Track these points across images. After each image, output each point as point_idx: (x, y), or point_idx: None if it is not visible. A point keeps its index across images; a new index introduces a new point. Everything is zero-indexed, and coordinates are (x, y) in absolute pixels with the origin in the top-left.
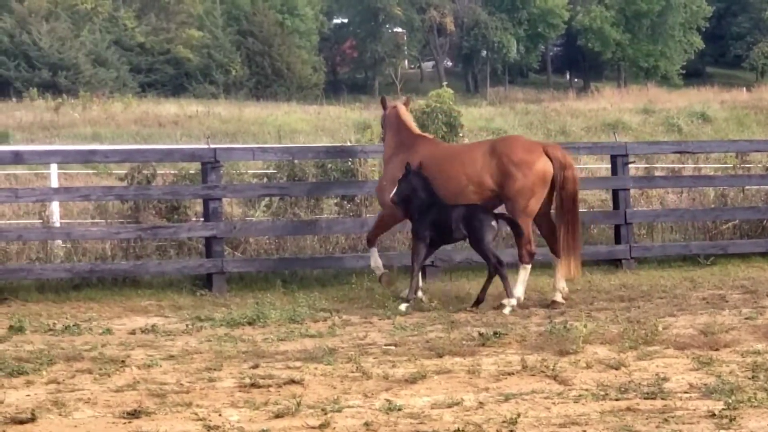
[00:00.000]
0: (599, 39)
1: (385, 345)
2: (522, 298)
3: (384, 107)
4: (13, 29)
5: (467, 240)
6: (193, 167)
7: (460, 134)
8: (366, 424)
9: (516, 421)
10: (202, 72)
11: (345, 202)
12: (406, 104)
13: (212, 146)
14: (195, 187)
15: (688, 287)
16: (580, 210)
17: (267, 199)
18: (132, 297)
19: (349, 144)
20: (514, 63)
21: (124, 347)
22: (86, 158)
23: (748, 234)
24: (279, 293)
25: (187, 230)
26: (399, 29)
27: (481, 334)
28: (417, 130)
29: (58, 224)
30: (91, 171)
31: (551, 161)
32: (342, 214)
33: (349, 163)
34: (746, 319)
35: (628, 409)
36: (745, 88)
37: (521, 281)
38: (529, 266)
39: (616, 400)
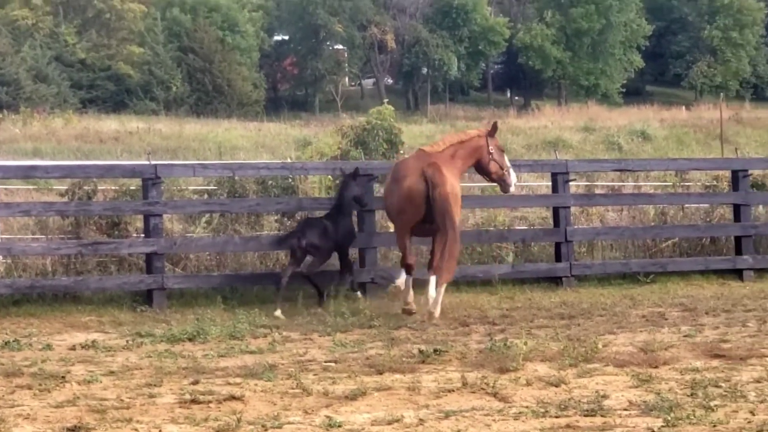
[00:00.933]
0: (540, 57)
1: (326, 361)
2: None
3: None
4: None
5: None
6: (134, 183)
7: (401, 151)
8: None
9: None
10: (142, 88)
11: (286, 219)
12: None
13: (153, 162)
14: (136, 203)
15: (627, 305)
16: (521, 228)
17: (208, 215)
18: (72, 313)
19: (289, 161)
20: (454, 80)
21: (64, 363)
22: (27, 174)
23: (687, 252)
24: (219, 309)
25: (127, 246)
26: (340, 46)
27: (421, 351)
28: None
29: None
30: (31, 187)
31: (425, 180)
32: (282, 231)
33: (290, 180)
34: (685, 336)
35: (568, 426)
36: (684, 107)
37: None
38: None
39: (556, 417)
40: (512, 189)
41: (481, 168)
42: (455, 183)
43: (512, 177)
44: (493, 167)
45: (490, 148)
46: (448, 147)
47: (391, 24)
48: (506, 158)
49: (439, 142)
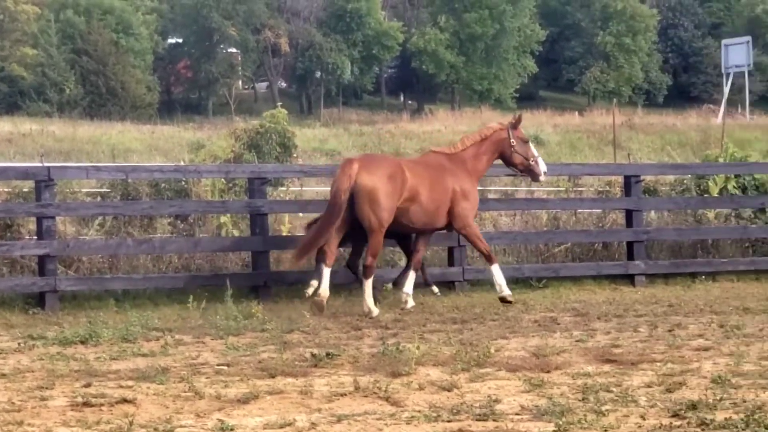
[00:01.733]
0: (434, 61)
1: (218, 365)
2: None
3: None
4: None
5: None
6: (27, 185)
7: (294, 155)
8: None
9: None
10: (36, 90)
11: (179, 222)
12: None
13: (46, 165)
14: (28, 205)
15: (520, 310)
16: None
17: (101, 217)
18: None
19: (182, 164)
20: (348, 84)
21: None
22: None
23: (580, 257)
24: (112, 312)
25: (20, 248)
26: (233, 49)
27: (313, 355)
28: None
29: None
30: None
31: (349, 179)
32: (175, 234)
33: (183, 183)
34: (577, 341)
35: (460, 430)
36: (577, 112)
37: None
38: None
39: (448, 421)
40: (543, 178)
41: (506, 161)
42: (469, 183)
43: (542, 166)
44: (517, 159)
45: (512, 140)
46: (468, 147)
47: (285, 27)
48: (532, 148)
49: (458, 143)
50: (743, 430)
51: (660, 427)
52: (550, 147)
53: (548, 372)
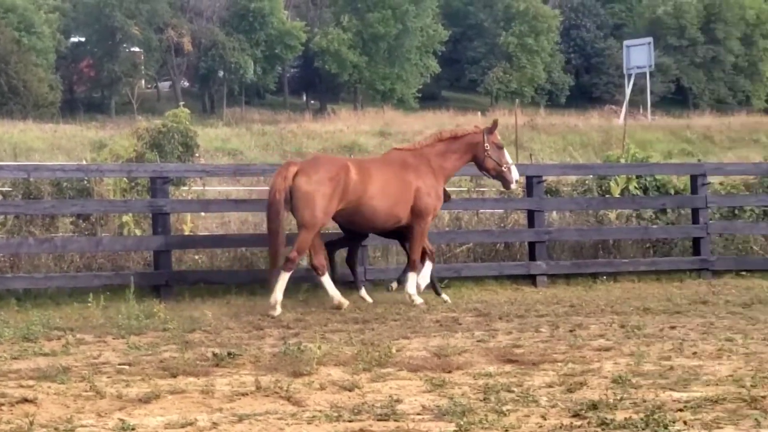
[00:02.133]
0: (336, 61)
1: (119, 364)
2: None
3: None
4: None
5: None
6: None
7: (197, 154)
8: None
9: None
10: None
11: (81, 221)
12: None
13: None
14: None
15: (422, 309)
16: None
17: (2, 216)
18: None
19: (85, 163)
20: (251, 84)
21: None
22: None
23: (482, 257)
24: (13, 311)
25: None
26: (136, 48)
27: (215, 355)
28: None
29: None
30: None
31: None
32: (77, 233)
33: (85, 182)
34: (479, 341)
35: (361, 430)
36: (480, 112)
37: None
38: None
39: (350, 421)
40: (514, 186)
41: (478, 164)
42: (433, 179)
43: (514, 173)
44: (489, 164)
45: (487, 145)
46: (436, 144)
47: (188, 27)
48: (507, 155)
49: (422, 139)
50: (643, 429)
51: (561, 427)
52: None
53: (449, 372)
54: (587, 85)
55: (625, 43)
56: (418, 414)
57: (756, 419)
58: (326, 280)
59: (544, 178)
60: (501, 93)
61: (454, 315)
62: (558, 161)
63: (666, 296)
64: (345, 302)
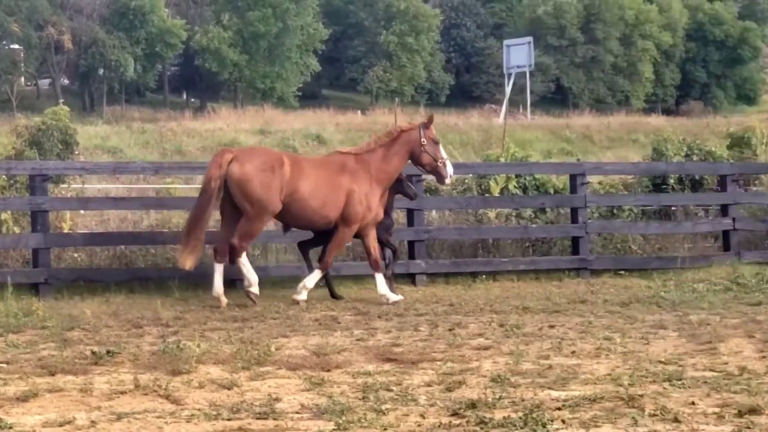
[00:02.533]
0: (217, 59)
1: None
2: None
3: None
4: None
5: None
6: None
7: (76, 152)
8: None
9: None
10: None
11: None
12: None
13: None
14: None
15: (301, 308)
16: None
17: None
18: None
19: None
20: (131, 82)
21: None
22: None
23: (361, 256)
24: None
25: None
26: (16, 46)
27: (94, 353)
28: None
29: None
30: None
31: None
32: None
33: None
34: (358, 340)
35: (240, 428)
36: (360, 111)
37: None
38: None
39: (228, 420)
40: (449, 181)
41: (414, 160)
42: (368, 185)
43: (449, 168)
44: (425, 159)
45: (423, 140)
46: (377, 149)
47: (68, 24)
48: (442, 150)
49: (365, 144)
50: (521, 428)
51: (439, 426)
52: (332, 145)
53: (328, 371)
54: (467, 85)
55: (506, 42)
56: (297, 413)
57: (633, 418)
58: (219, 269)
59: (423, 177)
60: (381, 92)
61: (333, 314)
62: None
63: (545, 295)
64: (224, 301)
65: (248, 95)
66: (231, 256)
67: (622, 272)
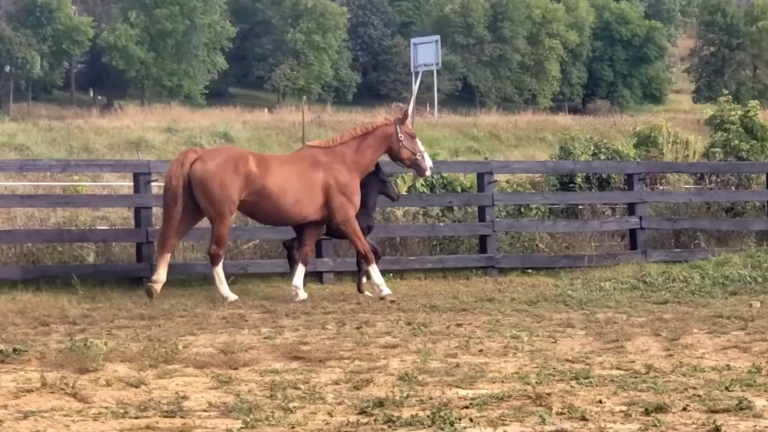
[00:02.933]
0: (124, 57)
1: None
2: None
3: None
4: None
5: None
6: None
7: None
8: None
9: None
10: None
11: None
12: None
13: None
14: None
15: (208, 306)
16: (103, 227)
17: None
18: None
19: None
20: (38, 79)
21: None
22: None
23: (268, 254)
24: None
25: None
26: None
27: (0, 351)
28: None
29: None
30: None
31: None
32: None
33: None
34: (265, 338)
35: (148, 427)
36: (267, 109)
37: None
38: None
39: (136, 418)
40: (428, 173)
41: (393, 155)
42: (347, 176)
43: (427, 161)
44: (405, 153)
45: (400, 135)
46: (348, 141)
47: None
48: (419, 143)
49: (336, 137)
50: (429, 426)
51: (347, 424)
52: (239, 143)
53: (236, 369)
54: (375, 83)
55: (413, 41)
56: (205, 411)
57: (541, 416)
58: (166, 259)
59: None
60: (288, 90)
61: (240, 312)
62: None
63: (452, 294)
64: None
65: (155, 93)
66: (212, 262)
67: (530, 271)
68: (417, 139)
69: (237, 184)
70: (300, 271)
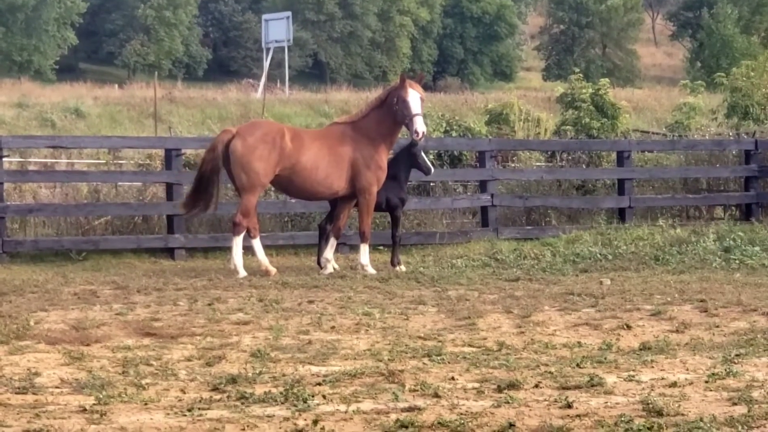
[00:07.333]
0: None
1: None
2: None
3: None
4: None
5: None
6: None
7: None
8: None
9: None
10: None
11: None
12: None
13: None
14: None
15: (60, 282)
16: None
17: None
18: None
19: None
20: None
21: None
22: None
23: (120, 230)
24: None
25: None
26: None
27: None
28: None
29: None
30: None
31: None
32: None
33: None
34: (117, 314)
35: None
36: (117, 85)
37: None
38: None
39: None
40: (417, 137)
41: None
42: (373, 150)
43: (418, 125)
44: (398, 117)
45: (394, 98)
46: (369, 113)
47: None
48: (414, 106)
49: (359, 111)
50: (282, 403)
51: (200, 401)
52: (90, 119)
53: (88, 345)
54: (225, 59)
55: (264, 17)
56: (57, 387)
57: (394, 393)
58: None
59: (183, 151)
60: (139, 66)
61: (92, 288)
62: (197, 134)
63: (304, 271)
64: (272, 270)
65: (5, 68)
66: (235, 231)
67: (381, 248)
68: (415, 102)
69: (273, 158)
70: (332, 244)
